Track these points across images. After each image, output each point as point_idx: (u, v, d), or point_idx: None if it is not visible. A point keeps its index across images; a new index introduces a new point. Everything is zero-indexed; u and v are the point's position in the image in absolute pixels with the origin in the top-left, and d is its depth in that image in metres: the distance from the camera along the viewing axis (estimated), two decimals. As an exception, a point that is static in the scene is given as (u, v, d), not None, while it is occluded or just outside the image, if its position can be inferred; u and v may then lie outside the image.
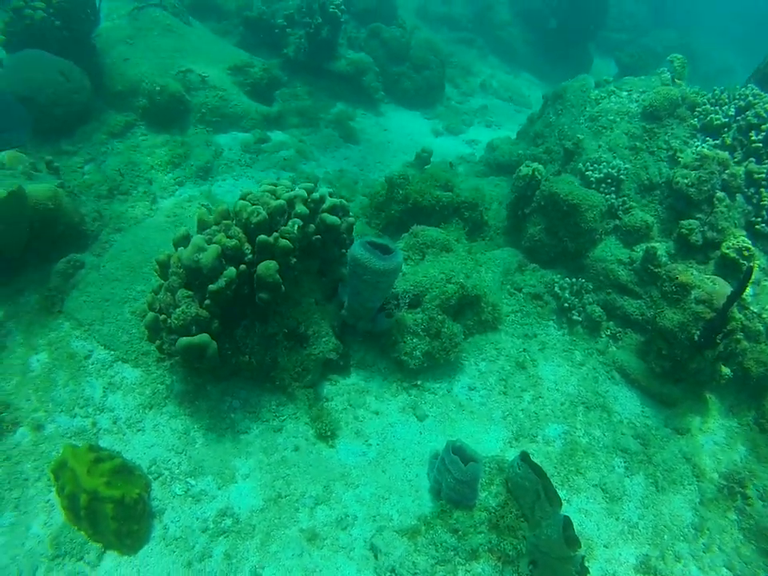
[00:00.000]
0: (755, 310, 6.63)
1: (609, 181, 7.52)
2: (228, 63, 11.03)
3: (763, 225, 7.06)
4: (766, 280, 6.94)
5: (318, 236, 5.86)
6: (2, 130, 5.02)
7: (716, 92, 7.99)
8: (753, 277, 6.67)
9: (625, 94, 8.56)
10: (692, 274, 6.30)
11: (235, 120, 10.46)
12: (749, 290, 6.62)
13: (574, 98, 9.26)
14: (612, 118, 8.24)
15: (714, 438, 6.55)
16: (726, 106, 7.73)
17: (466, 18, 19.81)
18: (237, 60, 11.14)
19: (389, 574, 4.84)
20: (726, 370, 6.32)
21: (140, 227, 7.65)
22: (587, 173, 7.65)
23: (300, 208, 5.54)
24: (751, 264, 6.47)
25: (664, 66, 9.20)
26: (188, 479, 5.36)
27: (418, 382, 6.48)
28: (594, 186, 7.54)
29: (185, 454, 5.52)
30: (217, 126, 10.25)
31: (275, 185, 5.79)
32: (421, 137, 13.08)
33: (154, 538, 4.99)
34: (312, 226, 5.74)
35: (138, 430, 5.67)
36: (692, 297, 6.10)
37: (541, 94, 16.70)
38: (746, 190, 7.17)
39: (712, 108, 7.77)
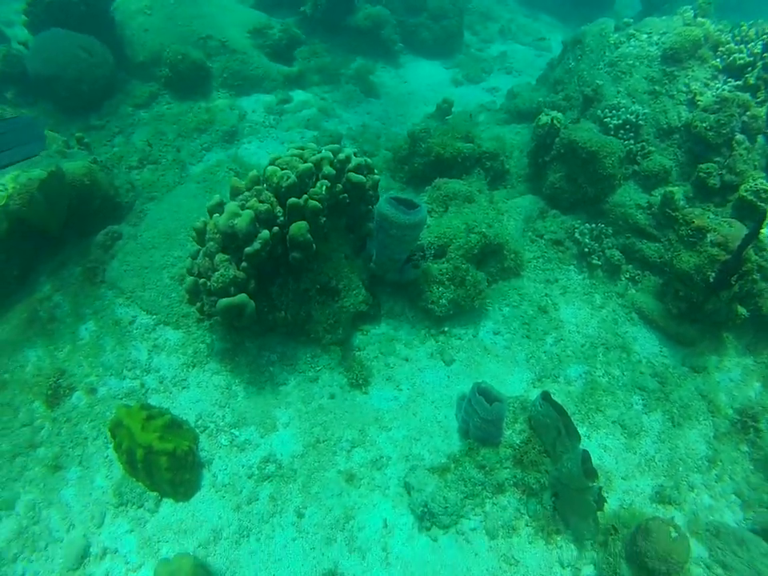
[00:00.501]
0: (772, 251, 6.74)
1: (627, 127, 7.59)
2: (247, 26, 11.16)
3: (785, 165, 7.09)
4: (785, 221, 7.02)
5: (345, 194, 6.12)
6: (22, 143, 5.52)
7: (743, 27, 7.85)
8: None
9: (645, 36, 8.48)
10: (708, 217, 6.44)
11: (257, 82, 10.65)
12: (765, 232, 6.72)
13: (594, 42, 9.21)
14: (631, 62, 8.22)
15: (730, 375, 6.76)
16: (753, 43, 7.60)
17: (485, -39, 19.33)
18: (255, 23, 11.26)
19: (422, 508, 5.26)
20: (742, 310, 6.49)
21: (172, 195, 7.99)
22: (606, 119, 7.73)
23: (327, 169, 5.81)
24: (764, 207, 6.56)
25: (688, 3, 9.06)
26: (232, 430, 5.82)
27: (445, 329, 6.80)
28: (612, 132, 7.62)
29: (228, 407, 5.98)
30: (239, 90, 10.48)
31: (302, 148, 6.06)
32: (441, 87, 13.08)
33: (205, 486, 5.50)
34: (339, 185, 6.01)
35: (183, 388, 6.13)
36: (708, 240, 6.26)
37: (561, 36, 16.52)
38: (767, 131, 7.17)
39: (736, 47, 7.66)
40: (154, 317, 6.61)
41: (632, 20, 9.32)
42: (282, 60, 11.37)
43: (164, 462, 5.13)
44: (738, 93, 7.21)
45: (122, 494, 5.39)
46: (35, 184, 6.40)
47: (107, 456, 5.64)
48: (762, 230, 6.50)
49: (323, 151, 5.97)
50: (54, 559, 5.08)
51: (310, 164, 5.71)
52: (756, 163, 7.03)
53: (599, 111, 7.88)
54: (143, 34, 10.33)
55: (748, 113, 7.03)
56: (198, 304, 5.74)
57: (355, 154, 6.32)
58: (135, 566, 5.03)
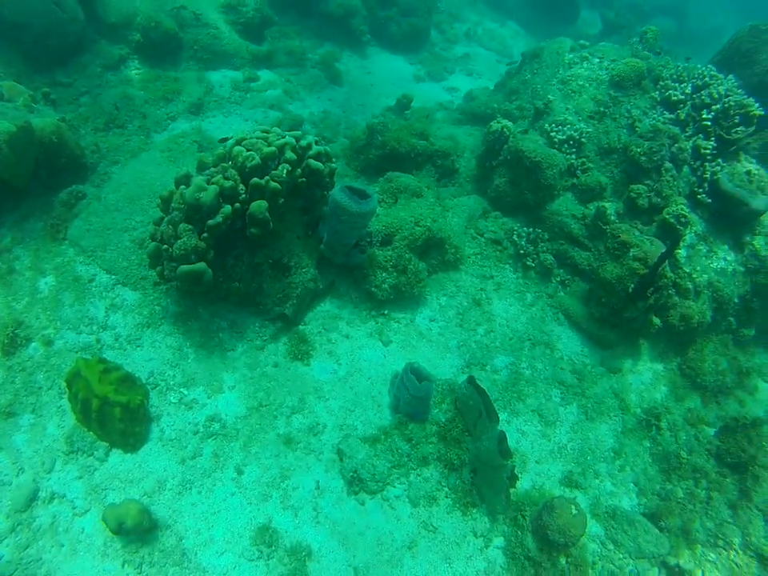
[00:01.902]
0: (687, 270, 7.48)
1: (571, 142, 8.21)
2: (220, 1, 11.28)
3: (704, 195, 7.84)
4: (700, 244, 7.75)
5: (304, 179, 6.50)
6: None
7: (679, 68, 8.64)
8: (687, 241, 7.55)
9: (597, 60, 9.13)
10: (633, 234, 7.12)
11: (226, 58, 10.86)
12: (683, 252, 7.47)
13: (550, 59, 9.81)
14: (582, 83, 8.84)
15: (642, 378, 7.47)
16: (685, 84, 8.38)
17: (459, -38, 19.79)
18: (229, -2, 11.41)
19: (352, 474, 5.76)
20: (656, 320, 7.18)
21: (137, 161, 8.18)
22: (552, 133, 8.33)
23: (289, 154, 6.19)
24: (680, 231, 7.31)
25: (638, 36, 9.81)
26: (181, 389, 6.18)
27: (385, 312, 7.28)
28: (557, 146, 8.22)
29: (178, 368, 6.33)
30: (208, 63, 10.68)
31: (267, 131, 6.40)
32: (403, 82, 13.53)
33: (152, 439, 5.85)
34: (299, 170, 6.38)
35: (138, 346, 6.43)
36: (630, 254, 6.93)
37: (524, 44, 17.20)
38: (692, 162, 7.94)
39: (672, 84, 8.43)
40: (113, 277, 6.87)
41: (588, 43, 9.98)
42: (252, 38, 11.58)
43: (118, 413, 5.46)
44: (670, 125, 7.97)
45: (73, 443, 5.68)
46: (3, 137, 6.51)
47: (60, 406, 5.91)
48: (678, 250, 7.26)
49: (287, 137, 6.33)
50: (1, 501, 5.34)
51: (274, 148, 6.07)
52: (680, 190, 7.76)
53: (547, 125, 8.47)
54: (117, -5, 10.36)
55: (677, 144, 7.77)
56: (159, 268, 6.03)
57: (316, 142, 6.68)
58: (81, 510, 5.35)
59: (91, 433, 5.74)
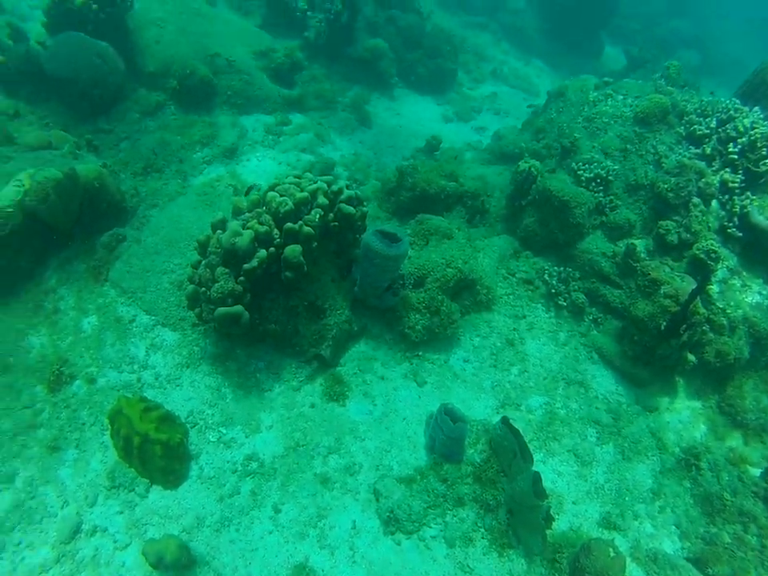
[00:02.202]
0: (721, 306, 7.43)
1: (598, 180, 8.27)
2: (252, 47, 11.74)
3: (734, 229, 7.83)
4: (733, 279, 7.71)
5: (336, 223, 6.66)
6: None
7: (703, 102, 8.70)
8: (719, 276, 7.53)
9: (620, 97, 9.25)
10: (664, 271, 7.13)
11: (259, 102, 11.18)
12: (715, 287, 7.43)
13: (575, 97, 9.96)
14: (607, 120, 8.95)
15: (679, 416, 7.37)
16: (710, 118, 8.44)
17: (482, 3, 20.23)
18: (261, 44, 11.86)
19: (388, 514, 5.78)
20: (691, 357, 7.12)
21: (174, 204, 8.45)
22: (579, 172, 8.42)
23: (321, 199, 6.37)
24: (711, 266, 7.30)
25: (660, 71, 9.94)
26: (220, 428, 6.30)
27: (419, 353, 7.33)
28: (584, 184, 8.30)
29: (217, 407, 6.45)
30: (241, 108, 10.99)
31: (300, 177, 6.61)
32: (431, 122, 13.79)
33: (192, 477, 5.96)
34: (331, 214, 6.55)
35: (177, 386, 6.59)
36: (661, 291, 6.93)
37: (549, 81, 17.43)
38: (720, 196, 7.95)
39: (697, 119, 8.48)
40: (153, 318, 7.07)
41: (612, 80, 10.11)
42: (283, 83, 11.93)
43: (158, 451, 5.59)
44: (696, 160, 7.99)
45: (115, 478, 5.83)
46: (51, 183, 6.82)
47: (103, 442, 6.07)
48: (710, 286, 7.24)
49: (319, 182, 6.51)
50: (47, 532, 5.51)
51: (306, 193, 6.26)
52: (710, 225, 7.76)
53: (574, 164, 8.57)
54: (155, 45, 10.78)
55: (704, 179, 7.79)
56: (197, 310, 6.21)
57: (348, 187, 6.87)
58: (122, 544, 5.47)
59: (132, 469, 5.88)
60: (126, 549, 5.44)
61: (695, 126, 8.38)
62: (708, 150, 8.20)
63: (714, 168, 8.12)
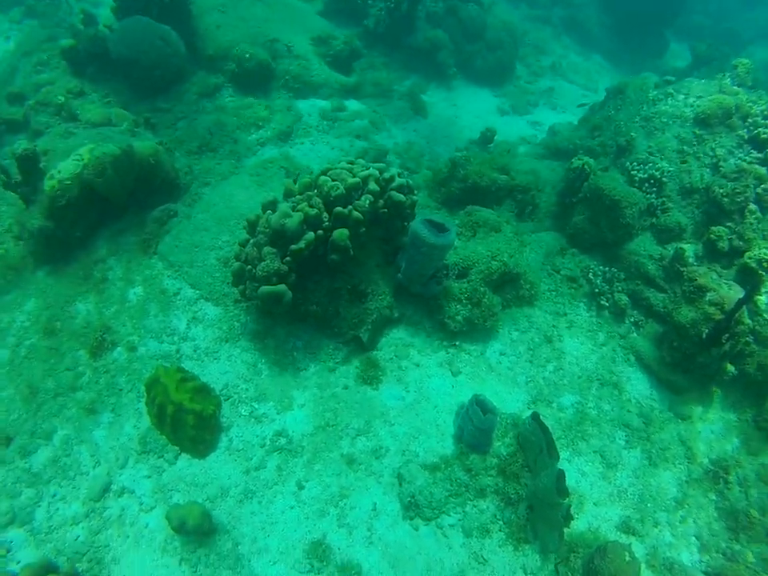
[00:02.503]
0: (768, 317, 7.26)
1: (652, 181, 8.12)
2: (312, 33, 11.90)
3: (791, 239, 7.60)
4: (784, 291, 7.52)
5: (386, 210, 6.76)
6: None
7: (773, 102, 8.40)
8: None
9: (681, 97, 8.99)
10: (711, 277, 6.98)
11: (315, 88, 11.34)
12: (764, 299, 7.22)
13: (634, 95, 9.76)
14: (665, 120, 8.74)
15: (712, 427, 7.21)
16: (779, 121, 8.15)
17: (545, -5, 19.90)
18: (320, 31, 12.01)
19: (409, 499, 5.89)
20: (730, 368, 6.97)
21: (226, 183, 8.69)
22: (633, 171, 8.28)
23: (372, 186, 6.47)
24: (761, 276, 7.10)
25: (728, 69, 9.52)
26: (253, 403, 6.51)
27: (457, 343, 7.38)
28: (637, 184, 8.16)
29: (252, 382, 6.66)
30: (298, 93, 11.17)
31: (353, 162, 6.73)
32: (487, 114, 13.71)
33: (220, 448, 6.20)
34: (381, 201, 6.65)
35: (215, 359, 6.82)
36: (707, 298, 6.80)
37: (609, 78, 17.08)
38: (779, 205, 7.72)
39: (762, 121, 8.18)
40: (197, 292, 7.31)
41: (673, 78, 9.83)
42: (340, 69, 12.05)
43: (191, 420, 5.84)
44: (756, 165, 7.75)
45: (147, 444, 6.13)
46: (108, 158, 7.14)
47: (138, 408, 6.38)
48: (758, 296, 7.06)
49: (371, 169, 6.62)
50: (79, 488, 5.89)
51: (358, 179, 6.37)
52: (765, 233, 7.54)
53: (628, 163, 8.43)
54: (215, 29, 11.08)
55: (763, 185, 7.57)
56: (242, 287, 6.40)
57: (399, 175, 6.95)
58: (148, 507, 5.78)
59: (164, 436, 6.15)
60: (151, 511, 5.75)
61: (760, 129, 8.08)
62: (772, 155, 7.94)
63: (776, 173, 7.86)
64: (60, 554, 5.47)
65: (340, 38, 12.05)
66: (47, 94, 9.43)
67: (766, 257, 7.15)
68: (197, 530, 5.37)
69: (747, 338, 6.99)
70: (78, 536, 5.59)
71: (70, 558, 5.43)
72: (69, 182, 7.04)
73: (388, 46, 13.37)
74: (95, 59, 9.88)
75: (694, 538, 6.36)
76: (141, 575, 5.41)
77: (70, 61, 9.98)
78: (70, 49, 9.88)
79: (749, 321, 6.86)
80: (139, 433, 6.22)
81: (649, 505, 6.48)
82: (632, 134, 8.85)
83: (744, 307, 6.55)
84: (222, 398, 6.46)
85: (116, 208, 7.79)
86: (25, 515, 5.71)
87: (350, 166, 6.60)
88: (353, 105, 11.53)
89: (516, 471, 6.11)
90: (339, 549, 5.62)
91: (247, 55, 10.47)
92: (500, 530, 5.89)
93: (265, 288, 5.99)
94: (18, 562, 5.38)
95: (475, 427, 5.94)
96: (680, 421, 7.19)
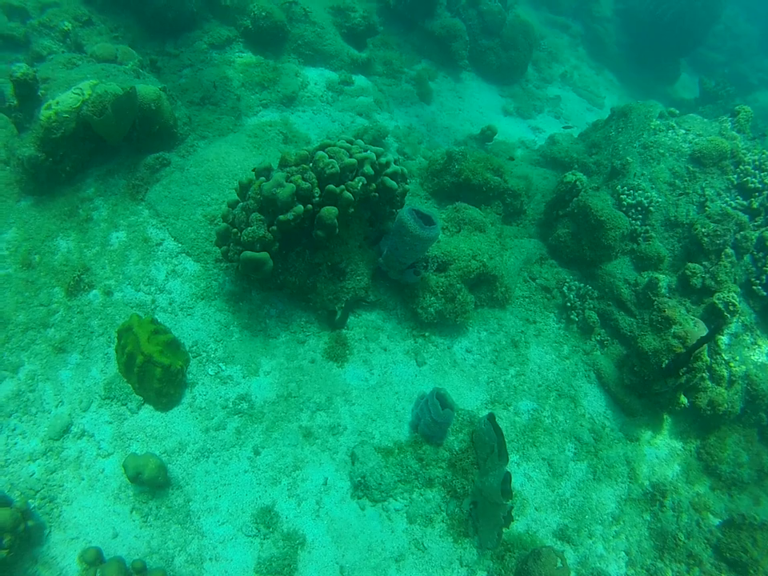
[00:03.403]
0: (726, 358, 7.53)
1: (639, 208, 8.31)
2: (331, 2, 11.74)
3: (760, 287, 7.88)
4: (746, 335, 7.78)
5: (376, 194, 6.82)
6: None
7: (764, 155, 8.60)
8: (732, 329, 7.60)
9: (682, 132, 9.16)
10: (678, 311, 7.19)
11: (326, 57, 11.28)
12: (725, 339, 7.52)
13: (637, 121, 9.89)
14: (662, 151, 8.92)
15: (658, 452, 7.50)
16: (765, 173, 8.39)
17: (568, 3, 19.87)
18: (340, 1, 11.83)
19: (360, 478, 6.04)
20: (683, 399, 7.25)
21: (223, 140, 8.62)
22: (622, 196, 8.44)
23: (367, 169, 6.52)
24: (726, 318, 7.37)
25: (728, 114, 9.73)
26: (220, 364, 6.57)
27: (426, 334, 7.51)
28: (624, 209, 8.34)
29: (222, 343, 6.71)
30: (308, 59, 11.11)
31: (351, 142, 6.75)
32: (490, 112, 13.78)
33: (183, 404, 6.27)
34: (374, 184, 6.70)
35: (188, 315, 6.86)
36: (672, 331, 7.01)
37: (617, 97, 17.22)
38: (755, 252, 7.98)
39: (752, 170, 8.44)
40: (180, 245, 7.30)
41: (678, 111, 9.98)
42: (354, 43, 11.99)
43: (158, 373, 5.88)
44: (739, 212, 8.00)
45: (111, 390, 6.15)
46: (110, 98, 7.00)
47: (107, 353, 6.38)
48: (720, 337, 7.32)
49: (369, 151, 6.65)
50: (39, 426, 5.88)
51: (355, 160, 6.40)
52: (737, 277, 7.81)
53: (619, 186, 8.59)
54: (236, -20, 10.89)
55: (742, 232, 7.82)
56: (225, 248, 6.42)
57: (395, 161, 7.01)
58: (105, 453, 5.82)
59: (129, 385, 6.19)
60: (108, 458, 5.81)
61: (749, 178, 8.33)
62: (755, 205, 8.19)
63: (756, 223, 8.13)
64: (14, 488, 5.50)
65: (359, 10, 11.96)
66: (53, 17, 9.15)
67: (733, 301, 7.41)
68: (151, 482, 5.45)
69: (703, 374, 7.25)
70: (34, 473, 5.62)
71: (23, 493, 5.46)
72: (66, 116, 6.95)
73: (405, 26, 13.30)
74: (106, -9, 9.64)
75: (623, 553, 6.65)
76: (91, 519, 5.48)
77: (82, -11, 9.70)
78: (82, -30, 9.58)
79: (708, 358, 7.10)
80: (105, 378, 6.24)
81: (587, 516, 6.73)
82: (628, 158, 8.99)
83: (705, 345, 6.77)
84: (190, 355, 6.51)
85: (109, 148, 7.69)
86: (-18, 446, 5.72)
87: (348, 145, 6.63)
88: (360, 80, 11.50)
89: (465, 467, 6.29)
90: (287, 518, 5.77)
91: (263, 13, 10.33)
92: (443, 521, 6.09)
93: (247, 253, 6.03)
94: (-29, 491, 5.41)
95: (432, 419, 6.10)
96: (628, 442, 7.44)
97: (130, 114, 7.40)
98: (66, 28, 9.03)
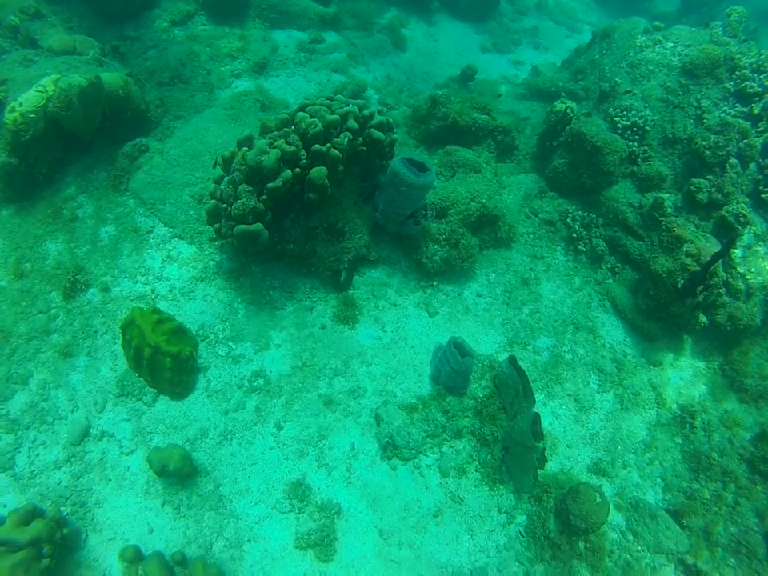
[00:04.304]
0: (741, 271, 7.31)
1: (635, 129, 8.03)
2: (291, -41, 11.26)
3: (768, 195, 7.64)
4: (758, 245, 7.54)
5: (364, 148, 6.59)
6: None
7: (762, 56, 8.25)
8: (745, 241, 7.39)
9: (670, 45, 8.84)
10: (689, 229, 7.00)
11: (293, 18, 10.87)
12: (738, 252, 7.30)
13: (621, 40, 9.54)
14: (652, 68, 8.61)
15: (682, 374, 7.41)
16: (766, 75, 8.06)
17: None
18: (300, -44, 11.35)
19: (387, 439, 5.94)
20: (702, 318, 7.09)
21: (199, 117, 8.35)
22: (616, 118, 8.17)
23: (351, 123, 6.27)
24: (738, 230, 7.17)
25: (719, 20, 9.29)
26: (230, 343, 6.43)
27: (434, 283, 7.36)
28: (619, 131, 8.08)
29: (228, 322, 6.57)
30: (274, 23, 10.72)
31: (331, 99, 6.50)
32: (468, 51, 13.33)
33: (199, 389, 6.15)
34: (360, 138, 6.47)
35: (190, 299, 6.70)
36: (683, 249, 6.84)
37: (596, 19, 16.70)
38: (760, 159, 7.69)
39: (750, 74, 8.10)
40: (171, 230, 7.11)
41: (662, 25, 9.63)
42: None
43: (168, 363, 5.75)
44: (740, 120, 7.69)
45: (124, 386, 6.03)
46: (75, 90, 6.73)
47: (114, 351, 6.25)
48: (733, 250, 7.13)
49: (350, 105, 6.40)
50: (59, 433, 5.79)
51: (337, 116, 6.16)
52: (743, 188, 7.57)
53: (611, 109, 8.31)
54: (188, -50, 10.44)
55: (745, 140, 7.54)
56: (217, 225, 6.23)
57: (379, 112, 6.76)
58: (128, 450, 5.74)
59: (141, 379, 6.07)
60: (132, 455, 5.72)
61: (747, 83, 8.01)
62: (756, 110, 7.88)
63: (759, 129, 7.83)
64: (44, 498, 5.43)
65: (320, -36, 11.48)
66: (-4, 12, 8.67)
67: (743, 212, 7.19)
68: (178, 473, 5.36)
69: (720, 290, 7.09)
70: (61, 480, 5.55)
71: (54, 502, 5.38)
72: (33, 116, 6.68)
73: (369, -24, 12.79)
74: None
75: (659, 479, 6.59)
76: (125, 518, 5.43)
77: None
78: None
79: (723, 273, 6.93)
80: (116, 375, 6.12)
81: (619, 447, 6.66)
82: (617, 79, 8.71)
83: (720, 260, 6.60)
84: (198, 339, 6.37)
85: (84, 143, 7.44)
86: (6, 461, 5.62)
87: (328, 102, 6.38)
88: (331, 37, 11.11)
89: (492, 413, 6.19)
90: (319, 489, 5.69)
91: (222, -20, 9.92)
92: (476, 471, 6.01)
93: (241, 227, 5.83)
94: (5, 506, 5.33)
95: (453, 369, 5.97)
96: (651, 367, 7.34)
97: (99, 104, 7.13)
98: (13, 23, 8.47)
